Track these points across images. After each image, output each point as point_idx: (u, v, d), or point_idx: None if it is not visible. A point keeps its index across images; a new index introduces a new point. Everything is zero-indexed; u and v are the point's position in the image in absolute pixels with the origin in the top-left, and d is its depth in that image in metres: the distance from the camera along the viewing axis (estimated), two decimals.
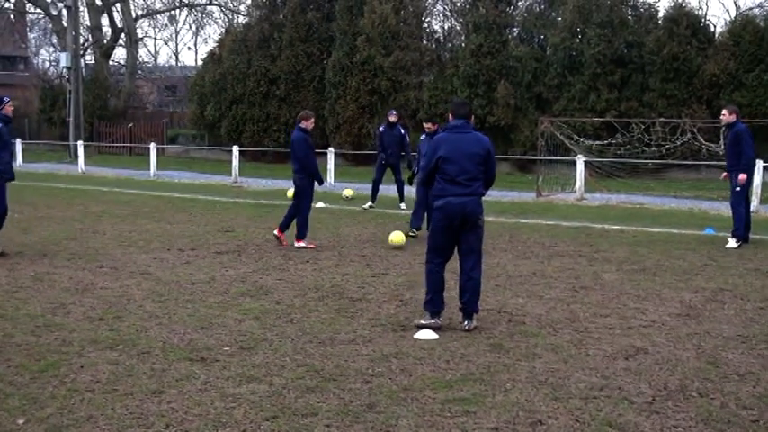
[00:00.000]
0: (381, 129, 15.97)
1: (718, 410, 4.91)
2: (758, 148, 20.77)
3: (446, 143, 6.76)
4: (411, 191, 13.56)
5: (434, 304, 6.80)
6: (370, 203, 15.95)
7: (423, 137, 12.21)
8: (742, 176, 11.17)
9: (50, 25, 43.43)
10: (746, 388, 5.31)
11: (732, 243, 11.17)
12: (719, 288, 8.52)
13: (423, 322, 6.74)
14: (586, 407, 4.95)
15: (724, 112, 11.68)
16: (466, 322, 6.73)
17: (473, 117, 7.26)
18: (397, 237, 10.99)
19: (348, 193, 17.67)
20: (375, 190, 16.02)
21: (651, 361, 5.89)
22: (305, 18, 29.32)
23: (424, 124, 12.35)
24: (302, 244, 10.81)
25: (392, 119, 15.77)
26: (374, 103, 27.10)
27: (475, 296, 6.78)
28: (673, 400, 5.07)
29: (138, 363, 5.71)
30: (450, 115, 6.99)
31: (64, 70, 35.58)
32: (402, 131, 15.85)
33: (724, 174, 11.83)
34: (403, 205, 15.76)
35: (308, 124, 10.91)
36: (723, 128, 11.95)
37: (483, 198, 6.89)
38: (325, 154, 22.33)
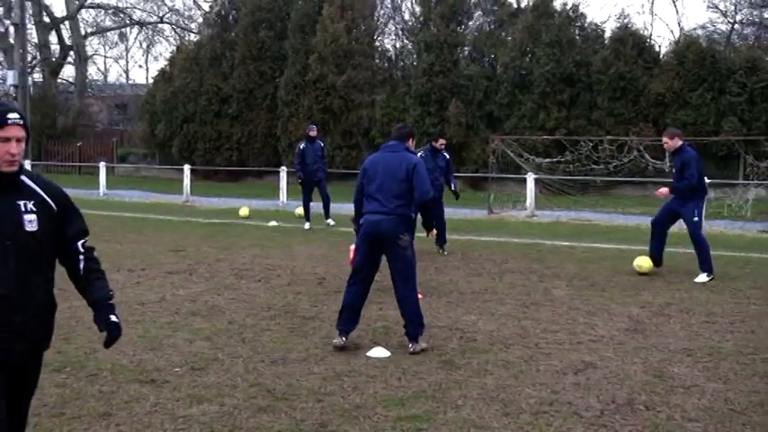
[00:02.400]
0: (302, 146, 15.55)
1: (665, 423, 5.01)
2: (702, 165, 21.50)
3: (372, 161, 6.89)
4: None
5: (343, 322, 6.69)
6: (308, 225, 15.62)
7: (420, 153, 11.29)
8: (664, 190, 10.45)
9: None
10: (692, 400, 5.43)
11: (703, 277, 10.05)
12: (666, 303, 8.69)
13: (334, 341, 6.66)
14: (537, 422, 5.01)
15: (665, 138, 10.34)
16: (411, 345, 6.61)
17: (414, 138, 7.13)
18: (644, 261, 10.50)
19: (301, 211, 17.62)
20: (306, 209, 15.86)
21: (600, 375, 5.98)
22: (257, 36, 29.27)
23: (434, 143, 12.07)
24: None
25: (313, 134, 15.64)
26: (327, 122, 27.11)
27: (413, 319, 6.64)
28: (620, 414, 5.16)
29: (86, 385, 5.62)
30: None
31: (11, 88, 34.92)
32: (322, 145, 15.88)
33: (663, 189, 10.49)
34: (330, 221, 15.78)
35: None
36: (669, 155, 11.06)
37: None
38: (278, 172, 22.37)
